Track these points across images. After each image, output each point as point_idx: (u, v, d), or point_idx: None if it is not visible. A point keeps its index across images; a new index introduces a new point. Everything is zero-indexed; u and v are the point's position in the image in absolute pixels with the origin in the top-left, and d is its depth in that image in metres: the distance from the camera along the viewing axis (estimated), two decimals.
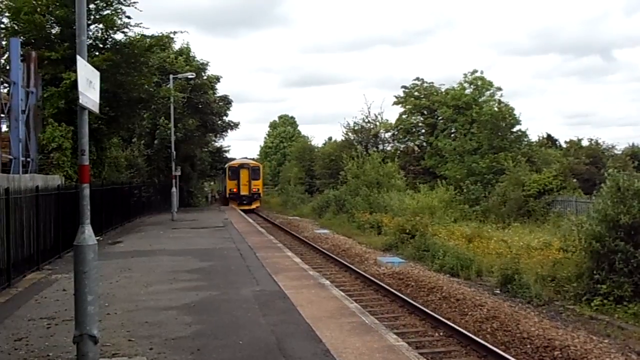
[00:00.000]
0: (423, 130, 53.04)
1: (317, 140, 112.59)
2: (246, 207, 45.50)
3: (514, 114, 43.13)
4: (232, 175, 48.51)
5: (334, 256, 21.06)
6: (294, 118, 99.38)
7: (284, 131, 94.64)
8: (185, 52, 42.50)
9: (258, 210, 47.80)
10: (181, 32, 36.82)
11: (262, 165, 56.27)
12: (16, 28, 21.82)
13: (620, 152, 37.41)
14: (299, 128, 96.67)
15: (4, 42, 19.04)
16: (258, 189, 49.29)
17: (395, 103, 54.47)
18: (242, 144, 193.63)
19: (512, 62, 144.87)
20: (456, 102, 49.61)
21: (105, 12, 23.23)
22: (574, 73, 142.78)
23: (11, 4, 21.52)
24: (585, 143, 37.29)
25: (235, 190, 48.20)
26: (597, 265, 13.53)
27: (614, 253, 13.18)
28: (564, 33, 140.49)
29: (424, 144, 52.53)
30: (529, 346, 10.37)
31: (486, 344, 10.19)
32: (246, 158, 58.83)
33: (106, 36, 23.95)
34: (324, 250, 22.58)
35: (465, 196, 35.17)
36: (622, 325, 11.82)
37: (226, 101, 48.16)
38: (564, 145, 43.34)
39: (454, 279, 16.87)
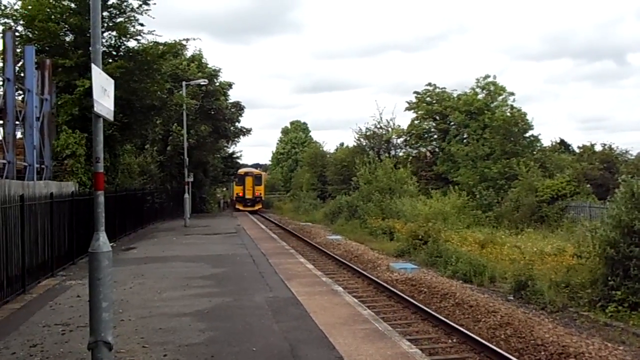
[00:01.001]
0: (435, 136, 52.71)
1: (329, 146, 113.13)
2: (250, 209, 53.85)
3: (527, 119, 42.84)
4: (239, 181, 56.55)
5: (346, 262, 21.02)
6: (306, 124, 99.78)
7: (295, 137, 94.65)
8: (197, 58, 42.67)
9: (261, 212, 54.60)
10: (193, 39, 37.26)
11: (263, 174, 65.57)
12: (30, 36, 22.02)
13: (634, 157, 37.08)
14: (310, 134, 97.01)
15: (18, 50, 19.23)
16: (260, 194, 57.38)
17: (407, 109, 54.25)
18: (254, 149, 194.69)
19: (525, 66, 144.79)
20: (468, 107, 49.33)
21: (119, 20, 23.39)
22: (587, 77, 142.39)
23: (26, 12, 21.72)
24: (598, 148, 36.98)
25: (241, 194, 56.11)
26: (612, 271, 13.41)
27: (629, 259, 13.07)
28: (577, 37, 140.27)
29: (436, 149, 52.24)
30: (543, 353, 10.29)
31: (500, 350, 10.15)
32: (258, 164, 64.49)
33: (119, 43, 24.10)
34: (336, 257, 22.53)
35: (478, 202, 34.97)
36: (637, 332, 11.70)
37: (238, 107, 48.39)
38: (577, 150, 43.00)
39: (467, 285, 16.76)
